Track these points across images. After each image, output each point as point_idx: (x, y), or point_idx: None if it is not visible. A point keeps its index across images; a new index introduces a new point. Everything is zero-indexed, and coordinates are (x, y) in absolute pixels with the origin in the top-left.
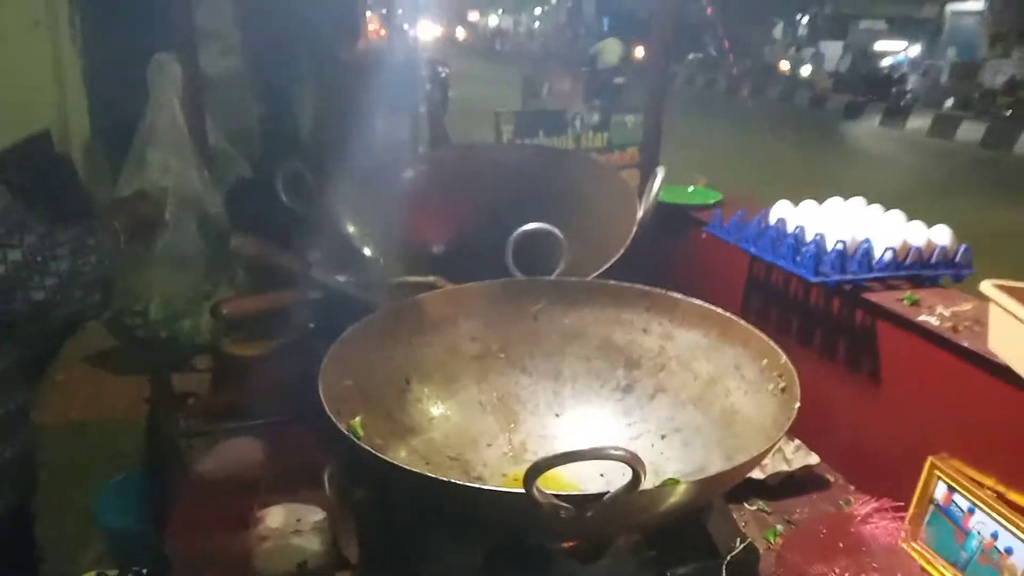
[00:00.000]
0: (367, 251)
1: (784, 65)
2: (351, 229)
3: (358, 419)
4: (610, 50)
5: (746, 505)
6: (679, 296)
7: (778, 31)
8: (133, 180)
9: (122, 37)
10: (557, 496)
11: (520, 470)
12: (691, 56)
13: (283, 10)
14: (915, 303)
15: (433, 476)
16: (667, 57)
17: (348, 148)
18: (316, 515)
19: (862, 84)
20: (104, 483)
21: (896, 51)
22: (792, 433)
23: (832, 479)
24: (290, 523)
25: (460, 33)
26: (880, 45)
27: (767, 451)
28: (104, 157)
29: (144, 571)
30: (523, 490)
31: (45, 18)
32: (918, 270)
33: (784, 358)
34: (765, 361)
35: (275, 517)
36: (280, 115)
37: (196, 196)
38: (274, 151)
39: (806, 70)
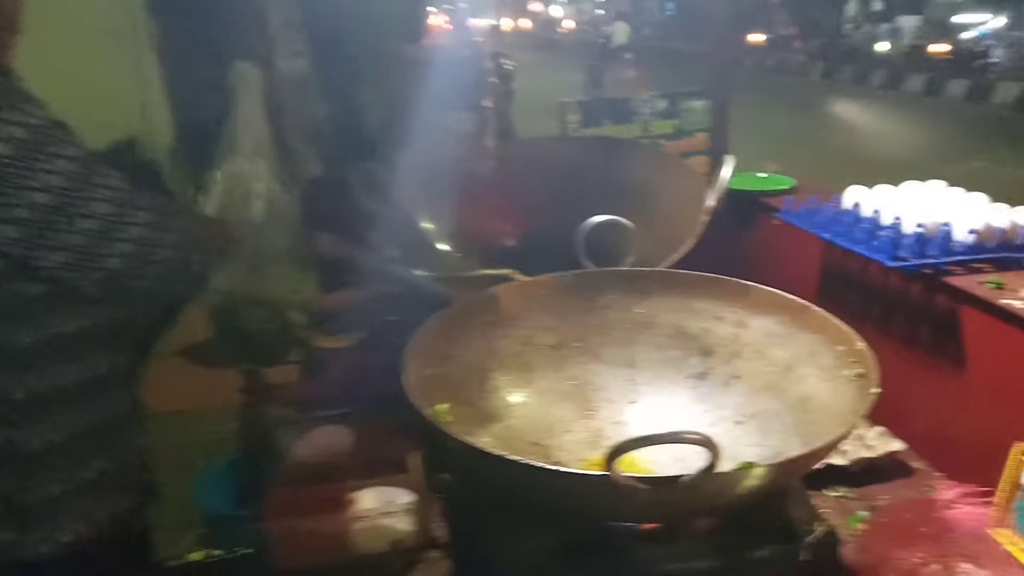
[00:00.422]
0: (441, 246)
1: (858, 42)
2: (425, 225)
3: (443, 407)
4: (620, 31)
5: (827, 491)
6: (751, 284)
7: (852, 6)
8: (217, 183)
9: (198, 44)
10: (635, 478)
11: (597, 456)
12: (759, 35)
13: (348, 9)
14: (999, 287)
15: (516, 459)
16: (731, 40)
17: (416, 144)
18: (405, 497)
19: (942, 59)
20: (204, 469)
21: (979, 23)
22: (874, 419)
23: (916, 466)
24: (381, 505)
25: (522, 23)
26: (960, 17)
27: (843, 436)
28: (186, 161)
29: (244, 552)
30: (603, 472)
31: (125, 27)
32: (1002, 252)
33: (861, 344)
34: (841, 347)
35: (367, 499)
36: (347, 113)
37: (279, 197)
38: (342, 148)
39: (882, 46)
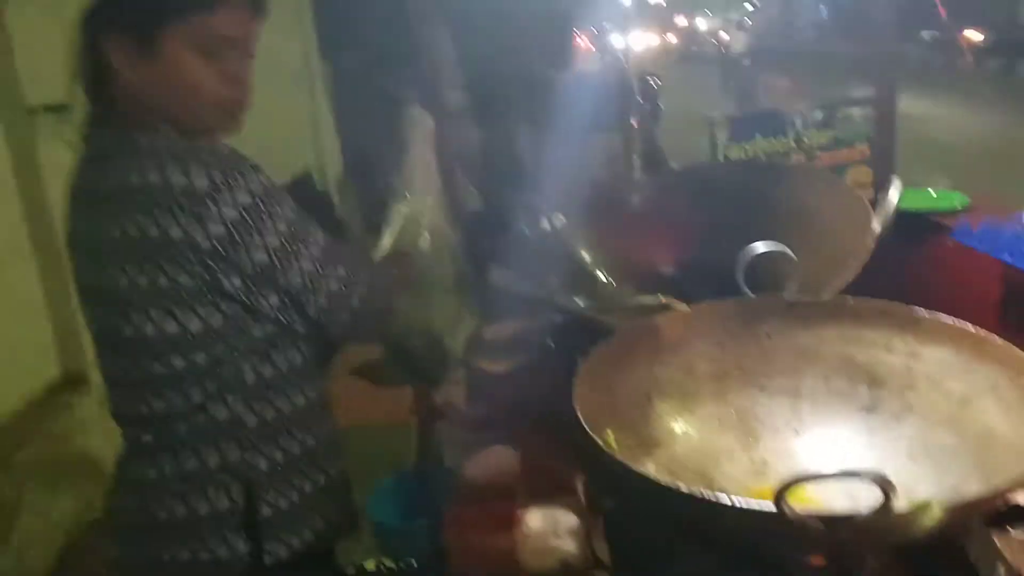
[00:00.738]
0: (600, 275)
1: None
2: (583, 255)
3: (611, 433)
4: (737, 40)
5: (1011, 531)
6: (923, 312)
7: None
8: (392, 223)
9: (367, 85)
10: (807, 514)
11: (761, 486)
12: (925, 34)
13: (498, 39)
14: None
15: (685, 489)
16: (893, 42)
17: (567, 170)
18: (570, 519)
19: None
20: (376, 483)
21: None
22: None
23: None
24: (548, 525)
25: (669, 39)
26: None
27: None
28: (354, 195)
29: (414, 563)
30: (774, 505)
31: (304, 72)
32: None
33: None
34: None
35: (534, 519)
36: (499, 141)
37: (447, 231)
38: (496, 177)
39: None
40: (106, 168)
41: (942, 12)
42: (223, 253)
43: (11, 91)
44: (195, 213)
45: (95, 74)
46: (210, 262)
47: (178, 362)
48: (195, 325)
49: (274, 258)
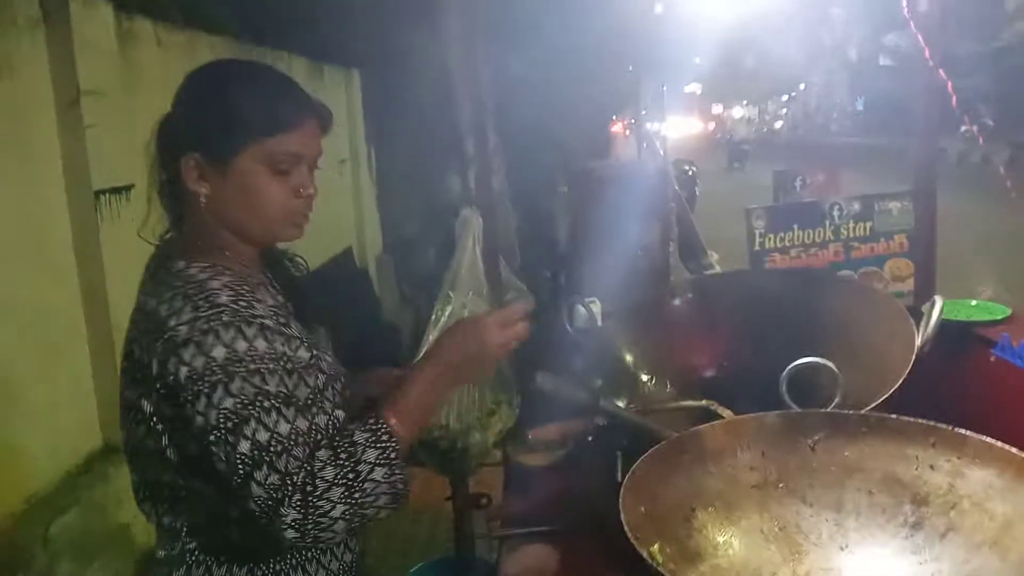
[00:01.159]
0: (643, 376)
1: None
2: (627, 356)
3: (656, 546)
4: (742, 125)
5: None
6: (967, 432)
7: None
8: (442, 311)
9: (407, 165)
10: None
11: None
12: (964, 129)
13: (537, 129)
14: None
15: None
16: (934, 138)
17: (605, 257)
18: None
19: None
20: (413, 569)
21: None
22: None
23: None
24: None
25: (705, 127)
26: None
27: None
28: (393, 270)
29: None
30: None
31: (348, 155)
32: None
33: None
34: None
35: None
36: (539, 228)
37: None
38: (533, 262)
39: None
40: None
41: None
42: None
43: (80, 174)
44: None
45: (167, 188)
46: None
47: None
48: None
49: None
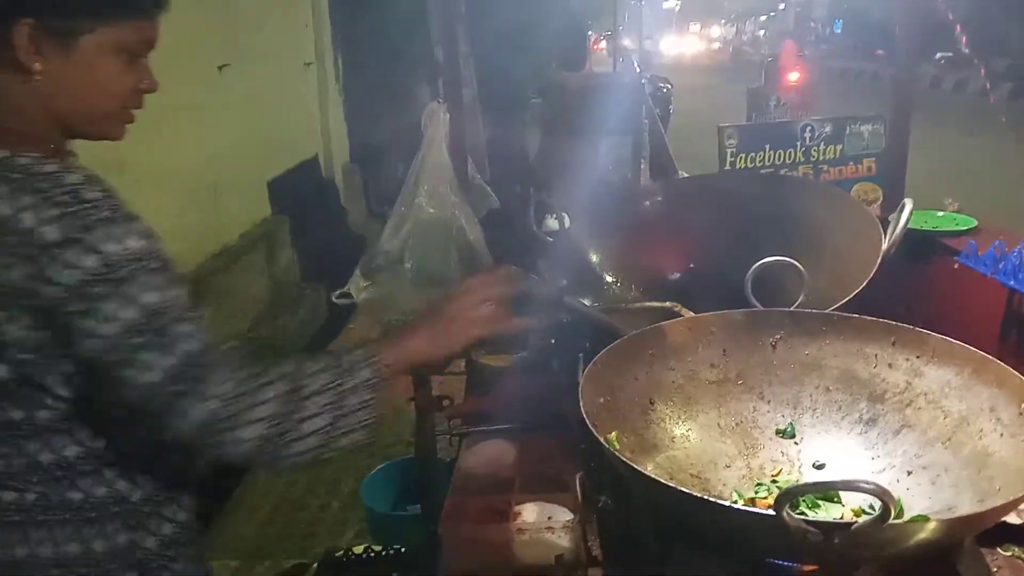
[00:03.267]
0: (608, 277)
1: None
2: (593, 257)
3: (614, 434)
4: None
5: (1000, 550)
6: (928, 332)
7: None
8: (407, 205)
9: (375, 73)
10: (807, 521)
11: (756, 493)
12: (939, 55)
13: (511, 40)
14: None
15: (689, 492)
16: (912, 61)
17: (577, 171)
18: (565, 515)
19: None
20: (368, 470)
21: None
22: None
23: None
24: (543, 520)
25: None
26: None
27: (1023, 497)
28: (360, 178)
29: (401, 549)
30: (774, 511)
31: (314, 59)
32: None
33: None
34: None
35: (529, 513)
36: (509, 138)
37: (456, 224)
38: (503, 173)
39: None
40: None
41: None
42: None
43: None
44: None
45: None
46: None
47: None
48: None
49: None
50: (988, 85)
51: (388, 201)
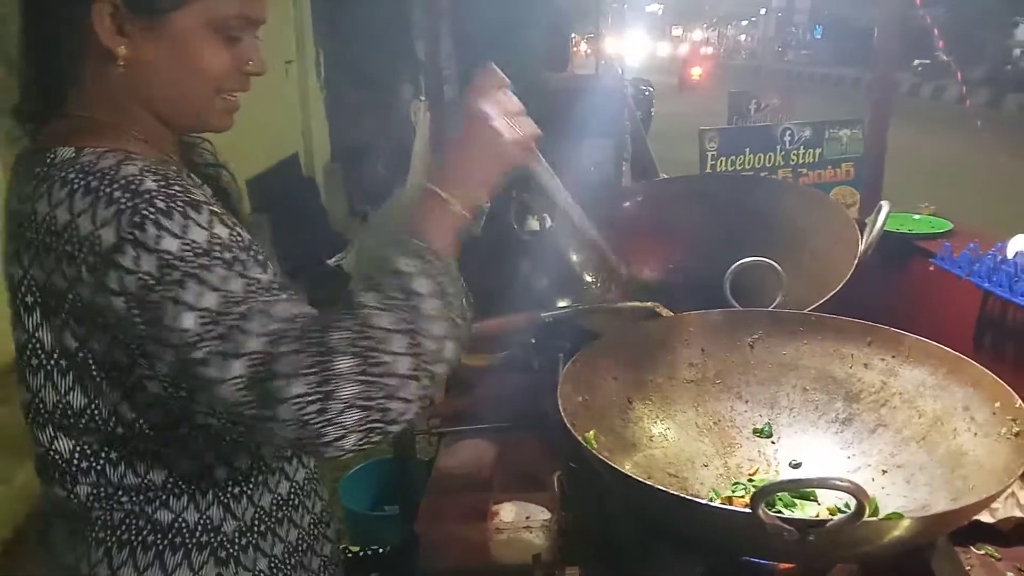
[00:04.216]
0: (588, 277)
1: None
2: (573, 257)
3: (592, 433)
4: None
5: (973, 548)
6: (904, 332)
7: (1021, 31)
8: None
9: (357, 71)
10: (782, 519)
11: (734, 491)
12: (916, 62)
13: (493, 39)
14: None
15: (665, 490)
16: (891, 67)
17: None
18: (543, 514)
19: None
20: (346, 470)
21: None
22: None
23: None
24: (520, 519)
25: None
26: None
27: (996, 495)
28: (341, 177)
29: (380, 550)
30: (750, 509)
31: (296, 56)
32: None
33: (1019, 402)
34: (998, 404)
35: (507, 512)
36: None
37: None
38: None
39: None
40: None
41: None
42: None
43: None
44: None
45: (53, 44)
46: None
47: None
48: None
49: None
50: (964, 91)
51: (370, 200)
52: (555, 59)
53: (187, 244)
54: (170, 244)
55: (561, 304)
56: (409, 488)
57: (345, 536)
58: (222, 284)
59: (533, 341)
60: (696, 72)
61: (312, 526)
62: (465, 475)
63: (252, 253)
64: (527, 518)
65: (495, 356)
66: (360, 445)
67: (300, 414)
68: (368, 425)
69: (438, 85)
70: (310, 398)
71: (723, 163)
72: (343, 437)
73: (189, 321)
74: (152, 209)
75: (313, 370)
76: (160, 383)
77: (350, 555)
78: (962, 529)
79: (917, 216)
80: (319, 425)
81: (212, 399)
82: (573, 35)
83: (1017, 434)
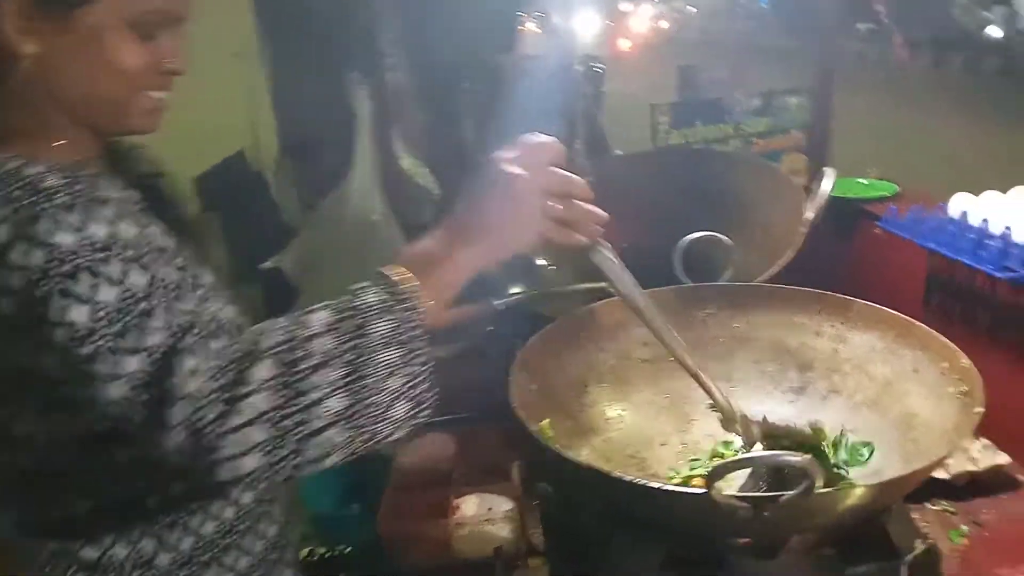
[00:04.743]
0: (540, 260)
1: (969, 28)
2: None
3: (546, 422)
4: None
5: (929, 505)
6: (852, 298)
7: None
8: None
9: (307, 63)
10: (735, 496)
11: (694, 469)
12: (861, 26)
13: (442, 21)
14: None
15: (620, 476)
16: (832, 33)
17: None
18: (505, 505)
19: None
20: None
21: None
22: (981, 432)
23: (1023, 480)
24: (482, 512)
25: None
26: None
27: (946, 456)
28: (291, 173)
29: (347, 550)
30: (703, 490)
31: (242, 49)
32: None
33: (966, 361)
34: (945, 364)
35: (469, 506)
36: (444, 124)
37: (382, 221)
38: (441, 160)
39: (994, 31)
40: None
41: (879, 7)
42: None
43: None
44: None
45: None
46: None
47: None
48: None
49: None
50: (909, 56)
51: (322, 194)
52: (503, 39)
53: (85, 239)
54: (64, 238)
55: (514, 290)
56: (372, 486)
57: (312, 538)
58: (123, 278)
59: (490, 329)
60: (625, 44)
61: (267, 551)
62: (426, 470)
63: (168, 256)
64: (489, 510)
65: (452, 347)
66: (259, 477)
67: (194, 417)
68: (274, 452)
69: (380, 72)
70: (210, 398)
71: (675, 136)
72: (240, 457)
73: (78, 314)
74: (49, 205)
75: (223, 367)
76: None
77: (316, 557)
78: (919, 486)
79: (864, 181)
80: (212, 435)
81: (98, 406)
82: (521, 14)
83: (965, 393)
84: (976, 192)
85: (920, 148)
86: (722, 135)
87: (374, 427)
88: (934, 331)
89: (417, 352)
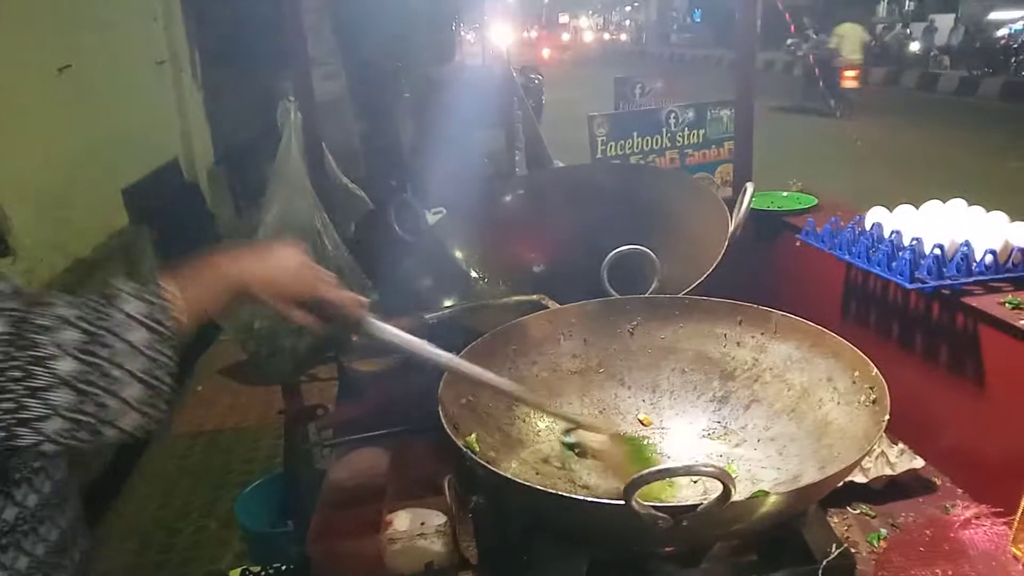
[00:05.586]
0: (473, 273)
1: (890, 43)
2: (457, 253)
3: (474, 436)
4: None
5: (849, 509)
6: (771, 310)
7: (883, 7)
8: (266, 216)
9: (237, 70)
10: (654, 507)
11: (620, 478)
12: (789, 42)
13: (380, 33)
14: (1018, 307)
15: (541, 488)
16: (752, 48)
17: (446, 166)
18: (438, 519)
19: (976, 58)
20: (244, 488)
21: (1014, 20)
22: (897, 437)
23: (939, 482)
24: (415, 526)
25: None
26: (996, 15)
27: (857, 463)
28: (225, 181)
29: (283, 568)
30: (623, 501)
31: (168, 56)
32: (1022, 272)
33: (874, 370)
34: (856, 373)
35: (402, 521)
36: (381, 134)
37: (311, 232)
38: (377, 169)
39: (914, 47)
40: None
41: (791, 28)
42: None
43: None
44: None
45: None
46: None
47: None
48: None
49: None
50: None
51: (255, 199)
52: (442, 50)
53: None
54: None
55: (447, 303)
56: (303, 503)
57: (245, 556)
58: None
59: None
60: (545, 52)
61: (48, 555)
62: (358, 486)
63: None
64: (422, 524)
65: (385, 361)
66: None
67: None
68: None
69: (308, 82)
70: None
71: (613, 148)
72: None
73: None
74: None
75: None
76: None
77: (250, 575)
78: (838, 491)
79: (785, 193)
80: None
81: None
82: (459, 25)
83: (874, 401)
84: (891, 207)
85: (843, 159)
86: (659, 147)
87: (103, 399)
88: (845, 341)
89: (164, 338)
